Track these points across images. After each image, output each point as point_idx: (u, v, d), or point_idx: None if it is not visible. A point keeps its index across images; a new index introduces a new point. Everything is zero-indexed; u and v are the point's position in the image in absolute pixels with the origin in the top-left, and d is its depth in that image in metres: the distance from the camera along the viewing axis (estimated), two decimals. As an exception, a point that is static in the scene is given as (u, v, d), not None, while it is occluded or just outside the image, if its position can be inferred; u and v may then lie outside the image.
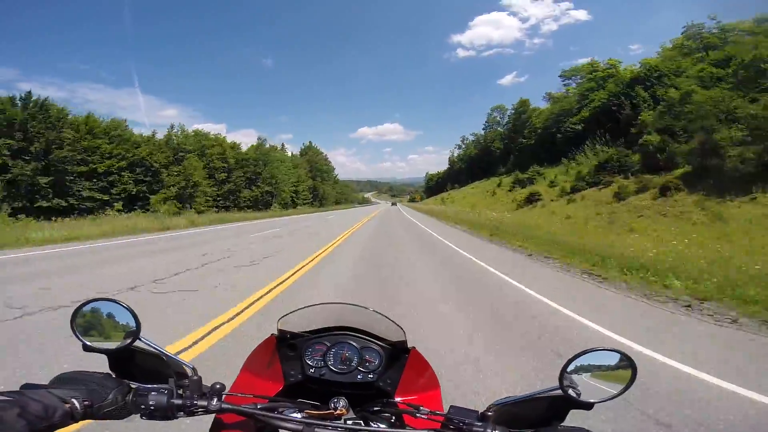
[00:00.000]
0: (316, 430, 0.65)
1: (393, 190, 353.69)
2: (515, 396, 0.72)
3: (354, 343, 0.91)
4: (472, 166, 69.04)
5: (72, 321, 0.71)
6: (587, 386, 0.70)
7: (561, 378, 0.69)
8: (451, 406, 0.73)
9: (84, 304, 0.72)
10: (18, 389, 0.53)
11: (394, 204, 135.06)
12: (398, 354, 0.92)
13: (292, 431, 0.66)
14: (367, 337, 0.93)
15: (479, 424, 0.67)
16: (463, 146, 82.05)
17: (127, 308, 0.71)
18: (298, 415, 0.73)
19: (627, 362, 0.70)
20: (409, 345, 0.95)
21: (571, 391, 0.68)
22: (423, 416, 0.74)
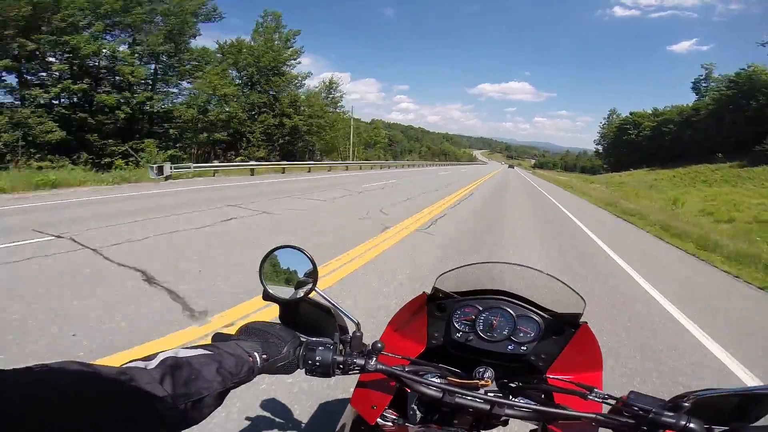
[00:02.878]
0: (456, 399, 0.66)
1: (510, 150, 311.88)
2: (721, 389, 0.60)
3: (510, 310, 0.83)
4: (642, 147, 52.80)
5: (260, 267, 0.73)
6: None
7: None
8: (632, 392, 0.62)
9: (272, 251, 0.74)
10: (211, 342, 0.56)
11: (511, 167, 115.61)
12: (562, 328, 0.83)
13: (431, 397, 0.67)
14: (526, 305, 0.85)
15: (670, 414, 0.56)
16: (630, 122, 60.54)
17: (309, 258, 0.73)
18: (438, 381, 0.71)
19: None
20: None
21: None
22: (597, 399, 0.65)
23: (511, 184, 24.84)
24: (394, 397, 0.77)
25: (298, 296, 0.71)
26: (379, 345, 0.69)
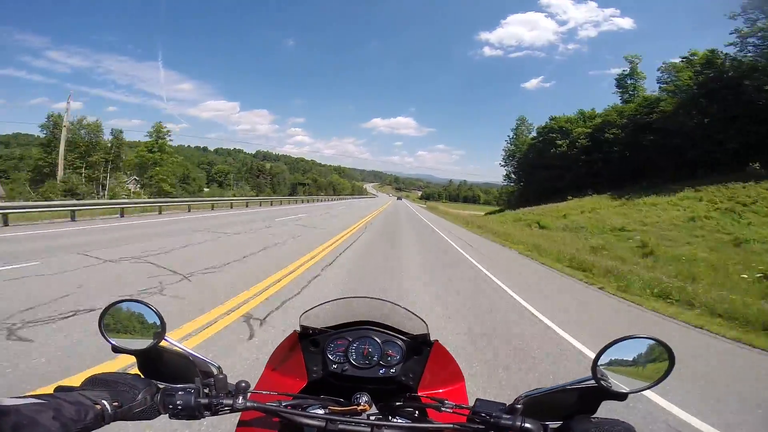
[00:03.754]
0: (339, 426, 0.68)
1: (399, 182, 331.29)
2: (545, 387, 0.71)
3: (376, 338, 0.92)
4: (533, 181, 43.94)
5: (100, 321, 0.73)
6: (620, 377, 0.68)
7: (594, 368, 0.67)
8: (477, 399, 0.72)
9: (111, 305, 0.75)
10: (51, 392, 0.55)
11: (400, 198, 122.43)
12: (420, 347, 0.93)
13: (315, 428, 0.70)
14: (388, 331, 0.94)
15: (507, 416, 0.66)
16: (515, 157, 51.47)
17: (153, 309, 0.73)
18: (321, 412, 0.76)
19: (664, 350, 0.68)
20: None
21: (603, 382, 0.67)
22: (448, 410, 0.75)
23: (403, 228, 19.02)
24: None
25: (147, 346, 0.71)
26: (243, 384, 0.71)
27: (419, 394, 0.90)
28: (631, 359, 0.69)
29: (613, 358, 0.69)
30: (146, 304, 0.74)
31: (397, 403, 0.85)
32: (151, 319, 0.74)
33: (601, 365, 0.68)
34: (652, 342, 0.68)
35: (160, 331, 0.72)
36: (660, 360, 0.68)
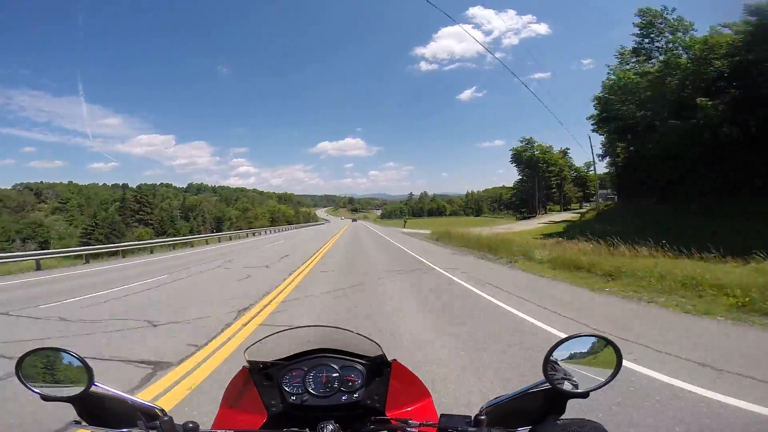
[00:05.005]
0: None
1: (354, 203, 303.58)
2: (506, 394, 0.71)
3: (333, 364, 0.90)
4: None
5: (17, 372, 0.70)
6: (576, 374, 0.69)
7: (545, 369, 0.68)
8: (442, 415, 0.72)
9: (27, 355, 0.72)
10: None
11: (355, 220, 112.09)
12: (380, 369, 0.91)
13: None
14: (345, 357, 0.92)
15: (474, 429, 0.66)
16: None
17: (74, 355, 0.71)
18: None
19: (610, 347, 0.70)
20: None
21: (563, 383, 0.68)
22: (413, 430, 0.74)
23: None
24: None
25: (77, 393, 0.68)
26: (191, 425, 0.68)
27: (387, 416, 0.88)
28: (580, 356, 0.71)
29: (564, 357, 0.70)
30: (66, 351, 0.72)
31: (364, 429, 0.82)
32: (75, 364, 0.71)
33: (555, 363, 0.69)
34: (594, 338, 0.71)
35: (87, 377, 0.69)
36: (606, 354, 0.70)
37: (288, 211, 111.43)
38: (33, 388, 0.70)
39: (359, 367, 0.90)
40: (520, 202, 79.50)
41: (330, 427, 0.76)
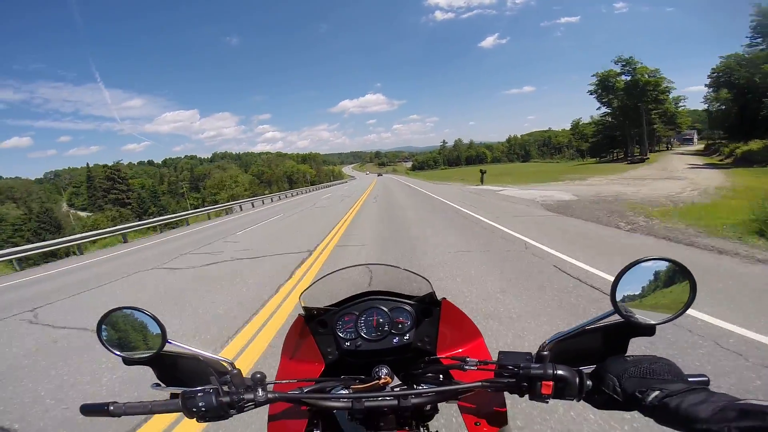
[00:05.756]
0: (365, 403, 0.67)
1: (381, 157, 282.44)
2: (566, 330, 0.66)
3: (382, 307, 0.89)
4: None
5: (99, 337, 0.71)
6: (641, 307, 0.62)
7: (613, 301, 0.61)
8: (501, 352, 0.69)
9: (105, 317, 0.72)
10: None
11: (380, 175, 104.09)
12: (429, 309, 0.90)
13: (341, 409, 0.69)
14: (394, 298, 0.91)
15: (536, 365, 0.62)
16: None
17: (148, 314, 0.71)
18: (345, 392, 0.75)
19: (681, 272, 0.61)
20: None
21: (628, 315, 0.61)
22: (472, 367, 0.72)
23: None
24: (325, 421, 0.79)
25: (152, 353, 0.70)
26: (259, 375, 0.68)
27: (439, 356, 0.87)
28: (648, 286, 0.62)
29: (629, 287, 0.62)
30: (140, 310, 0.72)
31: (419, 370, 0.83)
32: (149, 324, 0.72)
33: (620, 296, 0.61)
34: (667, 264, 0.61)
35: (162, 335, 0.70)
36: (678, 282, 0.61)
37: (309, 170, 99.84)
38: (115, 351, 0.71)
39: (408, 308, 0.89)
40: (608, 141, 62.34)
41: (384, 371, 0.79)
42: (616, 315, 0.61)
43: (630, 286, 0.61)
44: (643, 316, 0.61)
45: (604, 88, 54.23)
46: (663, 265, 0.61)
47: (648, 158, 46.28)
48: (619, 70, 52.17)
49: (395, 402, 0.68)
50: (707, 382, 0.55)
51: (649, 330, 0.62)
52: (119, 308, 0.73)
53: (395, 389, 0.75)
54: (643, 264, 0.61)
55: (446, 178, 47.57)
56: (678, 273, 0.61)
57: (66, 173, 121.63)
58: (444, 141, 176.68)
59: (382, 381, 0.74)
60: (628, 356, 0.60)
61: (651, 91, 50.01)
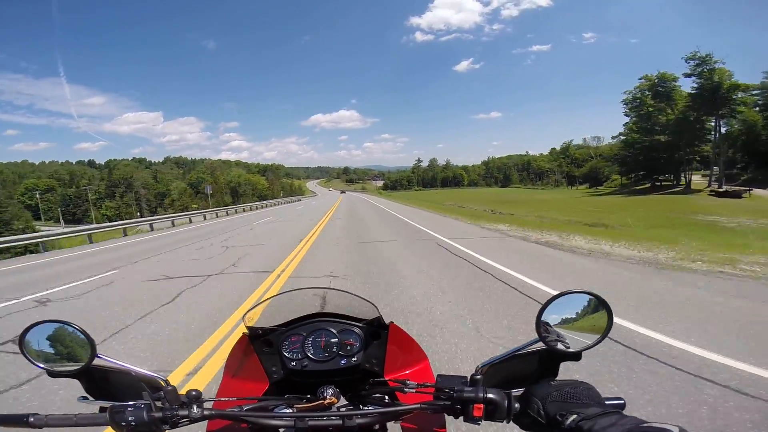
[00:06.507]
0: (309, 422, 0.67)
1: (349, 173, 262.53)
2: (500, 354, 0.71)
3: (331, 329, 0.89)
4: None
5: (21, 347, 0.69)
6: (567, 335, 0.68)
7: (538, 329, 0.67)
8: (439, 375, 0.72)
9: (28, 330, 0.71)
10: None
11: (343, 192, 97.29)
12: (377, 332, 0.90)
13: (283, 428, 0.68)
14: (343, 320, 0.92)
15: (470, 389, 0.66)
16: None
17: (76, 327, 0.70)
18: (288, 411, 0.73)
19: (600, 305, 0.68)
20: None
21: (556, 343, 0.67)
22: (412, 390, 0.74)
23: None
24: None
25: (80, 367, 0.68)
26: (194, 392, 0.68)
27: (386, 378, 0.88)
28: (571, 315, 0.69)
29: (555, 316, 0.69)
30: (68, 323, 0.71)
31: (363, 391, 0.82)
32: (77, 338, 0.70)
33: (547, 324, 0.68)
34: (585, 295, 0.68)
35: (91, 350, 0.68)
36: (597, 313, 0.68)
37: (261, 182, 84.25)
38: (38, 364, 0.69)
39: (357, 330, 0.90)
40: (633, 163, 50.29)
41: (330, 391, 0.80)
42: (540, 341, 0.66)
43: (556, 314, 0.68)
44: (570, 340, 0.67)
45: (655, 95, 43.78)
46: (584, 297, 0.68)
47: (749, 192, 32.49)
48: (676, 74, 41.78)
49: (340, 422, 0.68)
50: (622, 406, 0.60)
51: (575, 356, 0.67)
52: (45, 321, 0.71)
53: (341, 409, 0.75)
54: (568, 296, 0.68)
55: (434, 204, 34.80)
56: (596, 304, 0.68)
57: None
58: (419, 159, 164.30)
59: (328, 401, 0.75)
60: (555, 380, 0.64)
61: (730, 99, 38.43)
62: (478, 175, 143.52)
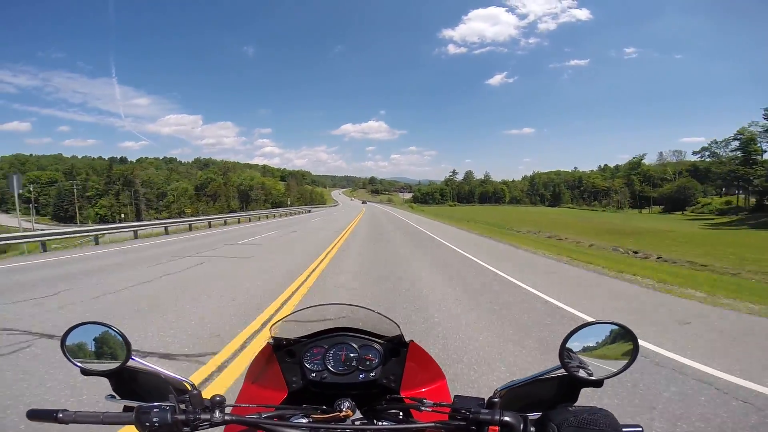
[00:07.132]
0: None
1: (375, 183, 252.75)
2: (520, 379, 0.71)
3: (352, 343, 0.91)
4: None
5: (62, 346, 0.73)
6: (590, 363, 0.69)
7: (561, 356, 0.68)
8: (456, 396, 0.72)
9: (72, 329, 0.75)
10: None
11: (364, 202, 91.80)
12: (397, 349, 0.92)
13: None
14: (364, 336, 0.94)
15: (486, 411, 0.65)
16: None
17: (116, 330, 0.73)
18: (305, 421, 0.75)
19: (626, 334, 0.69)
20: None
21: (578, 370, 0.68)
22: (428, 409, 0.75)
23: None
24: None
25: (115, 367, 0.71)
26: (218, 398, 0.69)
27: (402, 395, 0.89)
28: (596, 344, 0.70)
29: (579, 344, 0.69)
30: (108, 326, 0.74)
31: (379, 406, 0.84)
32: (115, 339, 0.73)
33: (570, 351, 0.68)
34: (614, 327, 0.69)
35: (126, 351, 0.71)
36: (623, 342, 0.69)
37: (276, 186, 75.09)
38: (75, 362, 0.73)
39: (377, 346, 0.91)
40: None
41: (347, 404, 0.80)
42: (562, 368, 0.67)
43: (581, 342, 0.69)
44: (591, 369, 0.68)
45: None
46: (609, 327, 0.69)
47: None
48: None
49: None
50: None
51: (596, 383, 0.68)
52: (87, 322, 0.74)
53: (356, 422, 0.76)
54: (592, 326, 0.69)
55: (507, 234, 22.00)
56: (622, 333, 0.69)
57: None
58: (453, 171, 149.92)
59: (343, 413, 0.76)
60: (574, 406, 0.64)
61: None
62: (521, 191, 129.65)
